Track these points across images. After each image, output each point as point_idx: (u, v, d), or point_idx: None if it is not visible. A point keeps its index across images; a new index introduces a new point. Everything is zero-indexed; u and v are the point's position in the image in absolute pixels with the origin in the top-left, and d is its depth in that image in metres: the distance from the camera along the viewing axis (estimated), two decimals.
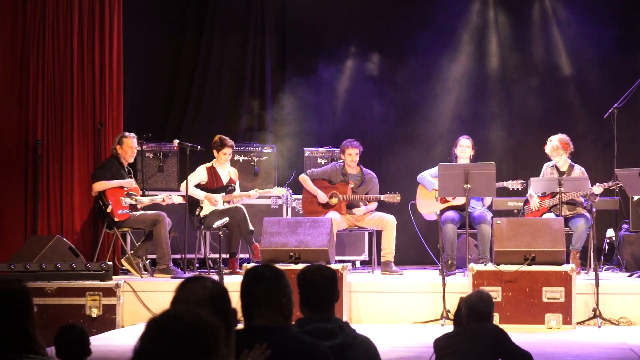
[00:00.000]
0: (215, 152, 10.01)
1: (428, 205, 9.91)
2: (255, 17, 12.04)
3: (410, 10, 11.83)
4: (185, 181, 9.89)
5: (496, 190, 9.23)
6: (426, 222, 10.25)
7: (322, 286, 3.76)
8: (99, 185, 9.53)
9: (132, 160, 9.92)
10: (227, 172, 10.10)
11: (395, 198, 9.83)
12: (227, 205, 9.92)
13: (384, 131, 11.96)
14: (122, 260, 9.61)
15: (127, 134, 9.75)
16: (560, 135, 9.76)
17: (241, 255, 10.02)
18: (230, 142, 10.03)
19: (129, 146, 9.69)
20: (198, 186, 9.97)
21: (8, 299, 3.37)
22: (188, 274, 9.22)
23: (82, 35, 10.10)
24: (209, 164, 10.07)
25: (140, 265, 9.54)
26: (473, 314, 4.86)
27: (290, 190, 10.28)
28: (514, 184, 9.70)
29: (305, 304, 3.76)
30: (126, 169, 9.77)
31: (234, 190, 10.05)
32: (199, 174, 10.00)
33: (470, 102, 11.77)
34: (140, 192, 9.95)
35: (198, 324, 2.23)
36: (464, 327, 4.89)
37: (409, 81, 11.85)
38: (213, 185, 9.97)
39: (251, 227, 9.70)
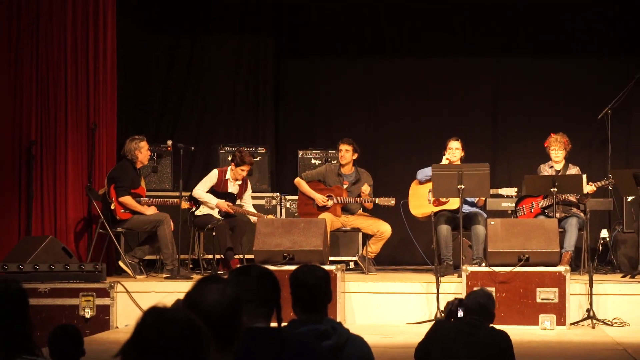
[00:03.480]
0: (233, 165, 9.76)
1: (420, 207, 9.88)
2: (252, 17, 12.01)
3: (414, 11, 11.82)
4: (196, 187, 9.79)
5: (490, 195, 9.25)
6: (418, 222, 10.22)
7: (314, 287, 3.73)
8: (127, 200, 9.49)
9: (146, 163, 9.93)
10: (237, 184, 9.86)
11: (390, 201, 9.80)
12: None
13: (379, 133, 11.94)
14: (119, 261, 9.60)
15: (138, 137, 9.66)
16: (562, 133, 9.79)
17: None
18: (250, 159, 9.77)
19: (147, 149, 9.68)
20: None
21: (4, 299, 3.38)
22: (183, 275, 9.19)
23: (75, 35, 10.06)
24: (223, 169, 9.94)
25: (136, 266, 9.52)
26: (479, 310, 4.84)
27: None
28: (508, 191, 9.65)
29: (298, 305, 3.74)
30: (138, 172, 9.77)
31: (234, 200, 9.92)
32: (212, 179, 9.81)
33: (465, 104, 11.76)
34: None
35: (189, 324, 2.23)
36: (473, 323, 4.84)
37: (407, 83, 11.84)
38: (218, 188, 9.85)
39: (229, 245, 9.48)
